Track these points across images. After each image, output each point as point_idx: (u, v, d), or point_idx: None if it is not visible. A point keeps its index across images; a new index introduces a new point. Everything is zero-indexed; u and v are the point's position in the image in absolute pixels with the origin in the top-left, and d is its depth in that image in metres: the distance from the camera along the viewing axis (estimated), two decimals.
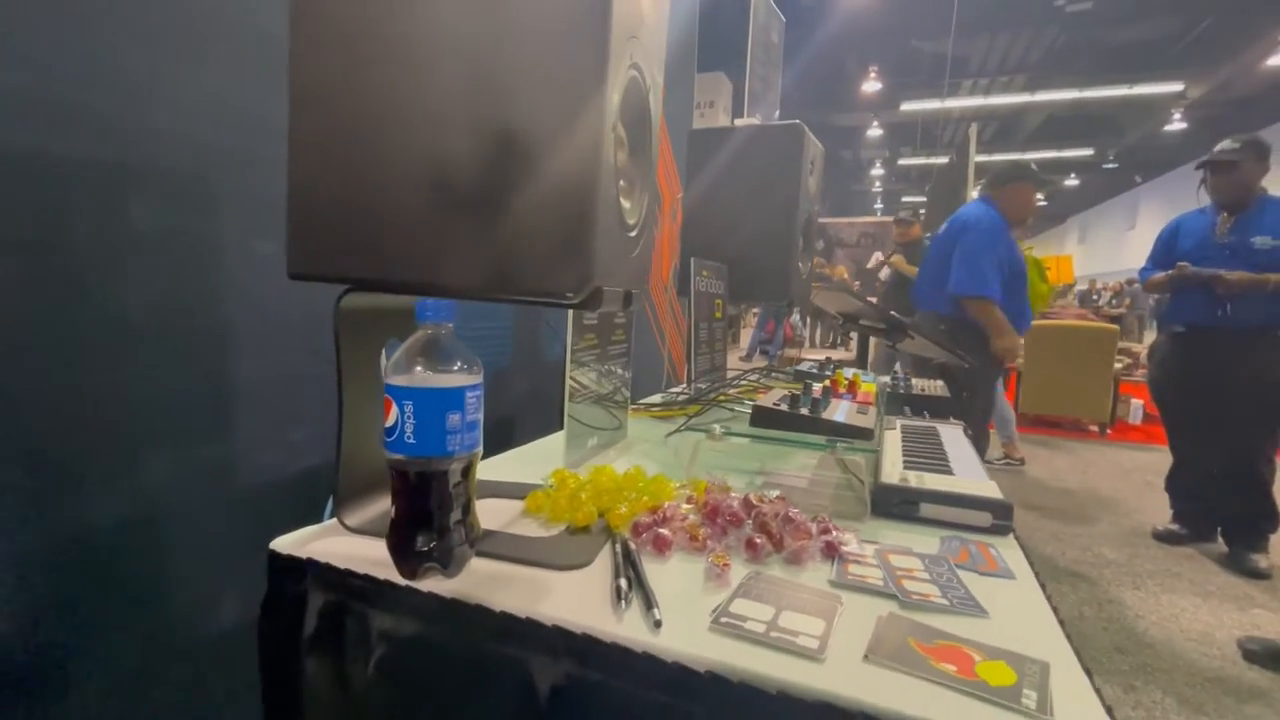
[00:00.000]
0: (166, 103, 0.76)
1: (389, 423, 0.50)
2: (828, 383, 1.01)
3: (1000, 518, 0.66)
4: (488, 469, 0.89)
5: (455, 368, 0.52)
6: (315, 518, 0.67)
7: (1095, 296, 11.98)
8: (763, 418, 0.78)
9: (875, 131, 12.76)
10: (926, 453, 0.87)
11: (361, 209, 0.55)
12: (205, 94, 0.80)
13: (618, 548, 0.58)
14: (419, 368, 0.50)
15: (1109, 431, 4.41)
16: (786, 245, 1.41)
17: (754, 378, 1.36)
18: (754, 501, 0.64)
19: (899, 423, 1.08)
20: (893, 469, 0.77)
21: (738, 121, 1.49)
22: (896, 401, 1.27)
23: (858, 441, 0.72)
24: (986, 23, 8.33)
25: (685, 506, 0.66)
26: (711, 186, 1.51)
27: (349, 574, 0.55)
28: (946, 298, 2.29)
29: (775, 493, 0.67)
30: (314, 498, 0.84)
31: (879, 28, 8.39)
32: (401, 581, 0.52)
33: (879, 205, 20.39)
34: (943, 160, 9.85)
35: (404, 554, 0.52)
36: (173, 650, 0.81)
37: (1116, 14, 7.96)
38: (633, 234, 0.63)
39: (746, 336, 8.46)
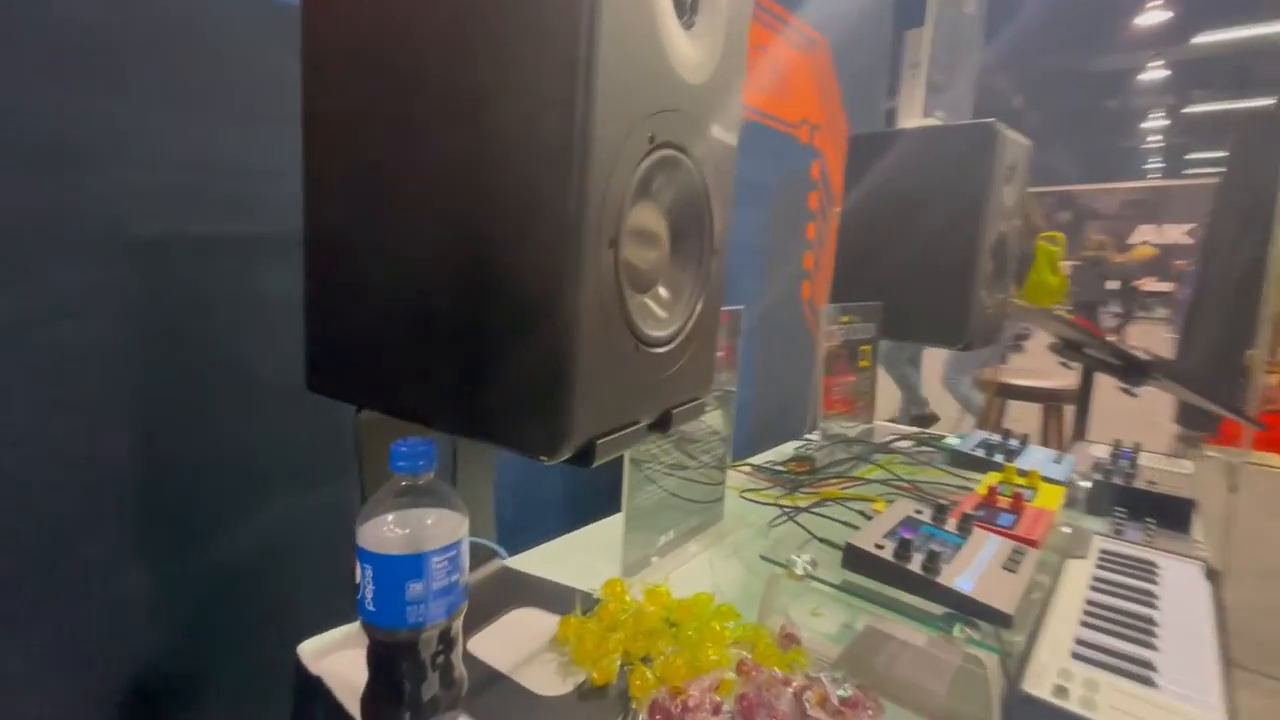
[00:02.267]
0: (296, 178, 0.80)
1: (356, 581, 0.45)
2: (985, 490, 0.77)
3: None
4: (569, 542, 0.84)
5: (426, 525, 0.45)
6: None
7: None
8: (857, 561, 0.60)
9: (1153, 74, 10.24)
10: (1124, 617, 0.62)
11: (356, 334, 0.50)
12: None
13: None
14: (383, 526, 0.44)
15: None
16: (966, 273, 1.13)
17: (877, 457, 1.11)
18: (810, 708, 0.48)
19: (1096, 542, 0.80)
20: (1050, 659, 0.55)
21: (908, 123, 1.22)
22: (1106, 497, 0.95)
23: (983, 629, 0.52)
24: None
25: (729, 678, 0.53)
26: (872, 203, 1.26)
27: (341, 711, 0.52)
28: None
29: (843, 689, 0.50)
30: None
31: None
32: None
33: (1155, 163, 16.40)
34: (1254, 104, 7.55)
35: (375, 716, 0.47)
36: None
37: None
38: (668, 347, 0.50)
39: None
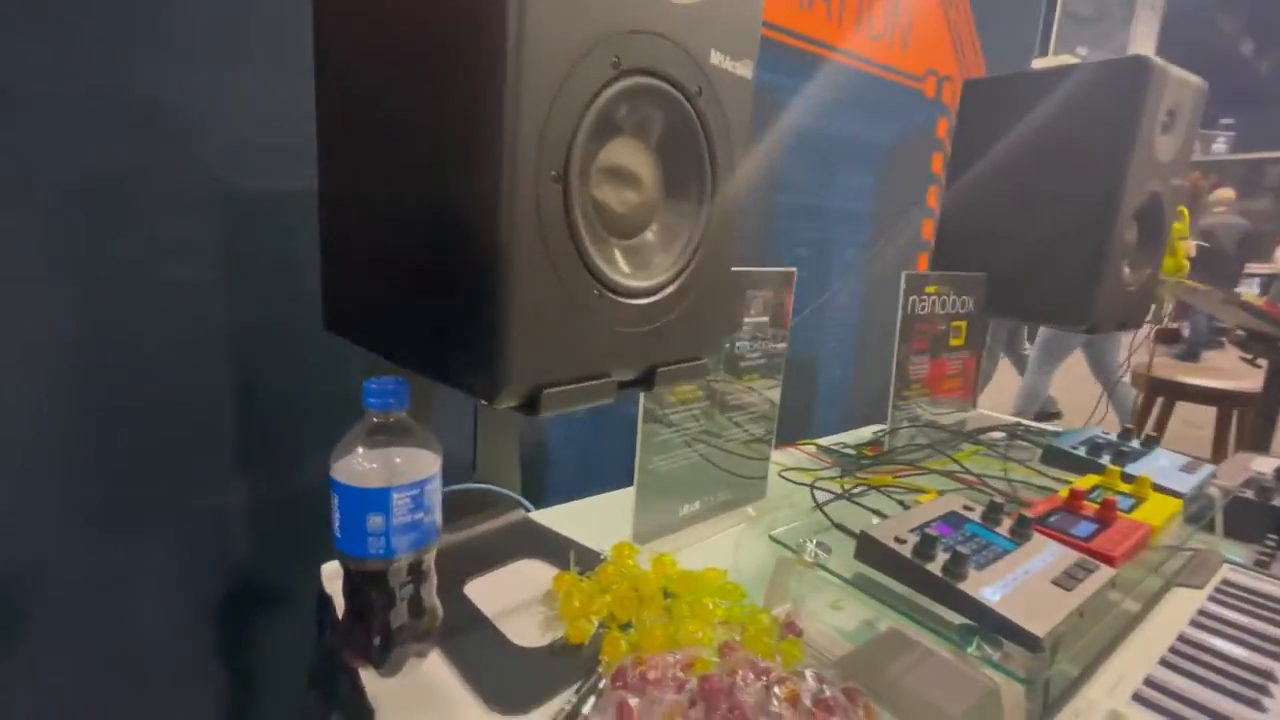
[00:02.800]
0: None
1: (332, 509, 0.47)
2: (1068, 493, 0.64)
3: None
4: (608, 501, 0.82)
5: (394, 462, 0.46)
6: None
7: None
8: (871, 554, 0.52)
9: None
10: (1227, 664, 0.49)
11: (350, 278, 0.52)
12: None
13: (577, 696, 0.47)
14: (351, 459, 0.46)
15: None
16: (1098, 239, 0.95)
17: (963, 447, 0.97)
18: (776, 704, 0.44)
19: (1224, 572, 0.65)
20: (1102, 697, 0.45)
21: (1036, 63, 1.04)
22: (1253, 520, 0.77)
23: (1007, 650, 0.43)
24: None
25: (707, 657, 0.49)
26: (987, 159, 1.10)
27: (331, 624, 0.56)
28: None
29: (825, 689, 0.45)
30: None
31: None
32: None
33: None
34: None
35: (345, 640, 0.50)
36: None
37: None
38: (653, 298, 0.46)
39: None
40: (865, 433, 1.09)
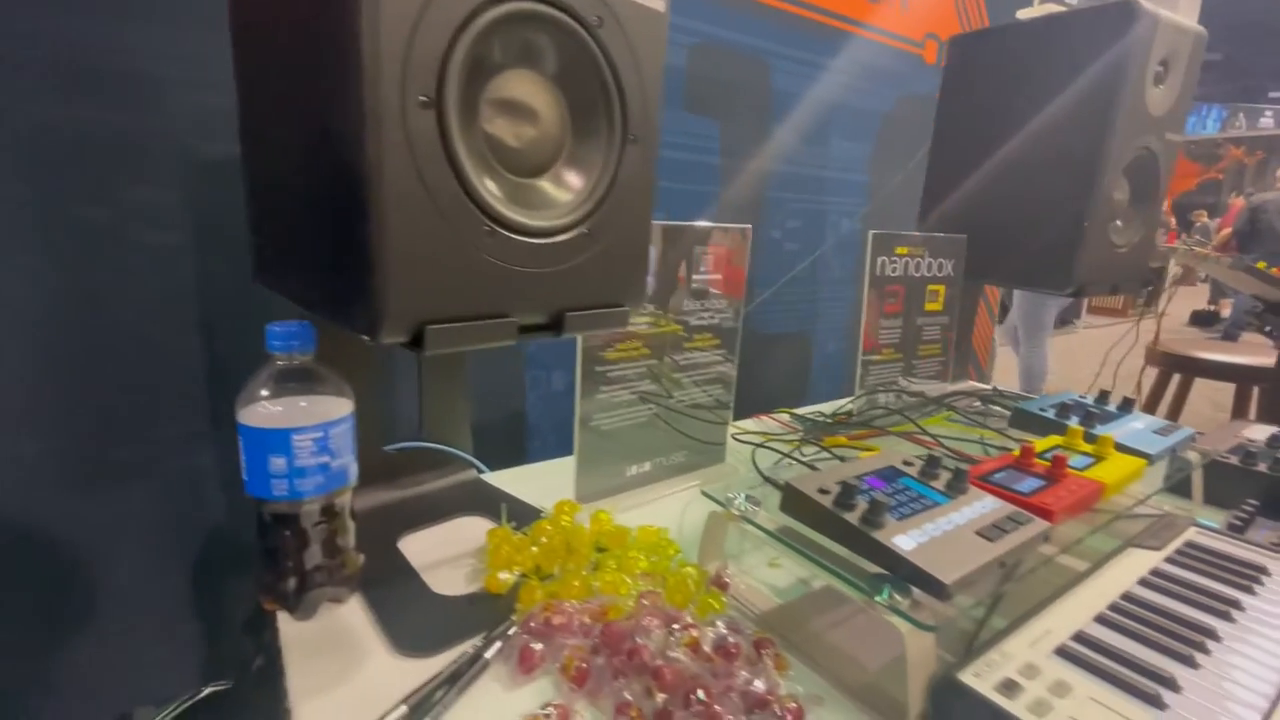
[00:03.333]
0: None
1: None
2: (1021, 452, 0.62)
3: None
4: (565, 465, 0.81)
5: (297, 405, 0.46)
6: None
7: None
8: (795, 504, 0.51)
9: None
10: (1170, 622, 0.47)
11: (265, 228, 0.52)
12: None
13: (483, 641, 0.46)
14: (254, 400, 0.46)
15: None
16: (1080, 199, 0.91)
17: (932, 411, 0.94)
18: (671, 650, 0.43)
19: (1190, 534, 0.62)
20: (1022, 650, 0.43)
21: (1022, 13, 0.99)
22: (1233, 485, 0.73)
23: (917, 600, 0.41)
24: None
25: (621, 605, 0.49)
26: (972, 116, 1.06)
27: None
28: None
29: (732, 638, 0.44)
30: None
31: None
32: None
33: None
34: None
35: (259, 583, 0.50)
36: None
37: None
38: (558, 238, 0.45)
39: None
40: (845, 402, 1.07)
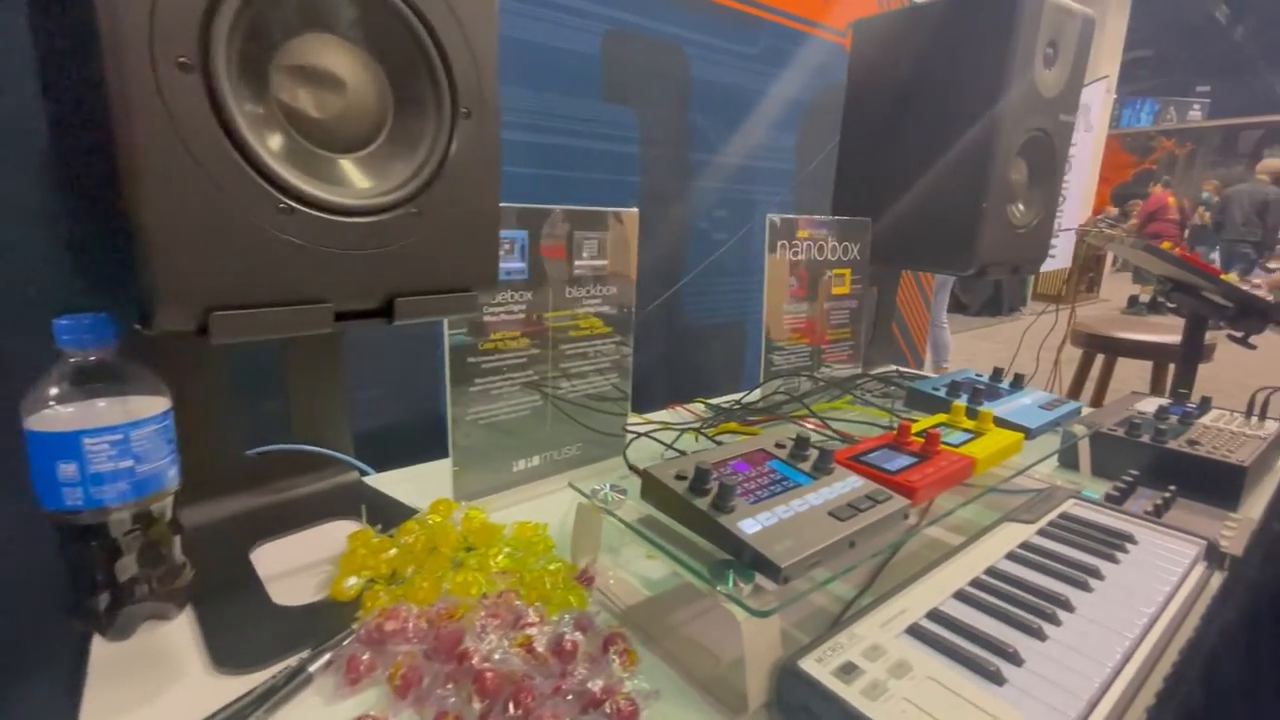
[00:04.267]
0: None
1: None
2: (899, 430, 0.61)
3: None
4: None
5: (93, 405, 0.42)
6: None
7: None
8: (653, 493, 0.49)
9: None
10: (1027, 594, 0.47)
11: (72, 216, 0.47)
12: None
13: (310, 653, 0.43)
14: (40, 402, 0.42)
15: None
16: (976, 184, 0.91)
17: (835, 395, 0.94)
18: (503, 651, 0.40)
19: (1068, 506, 0.62)
20: (870, 632, 0.42)
21: None
22: (1119, 456, 0.74)
23: (759, 585, 0.40)
24: None
25: (471, 605, 0.46)
26: (875, 101, 1.06)
27: None
28: None
29: (576, 635, 0.41)
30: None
31: None
32: None
33: None
34: None
35: (67, 602, 0.46)
36: None
37: None
38: (376, 217, 0.42)
39: None
40: (753, 390, 1.06)
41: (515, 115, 1.12)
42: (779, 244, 0.86)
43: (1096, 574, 0.51)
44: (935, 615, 0.45)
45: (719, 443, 0.69)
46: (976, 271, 0.97)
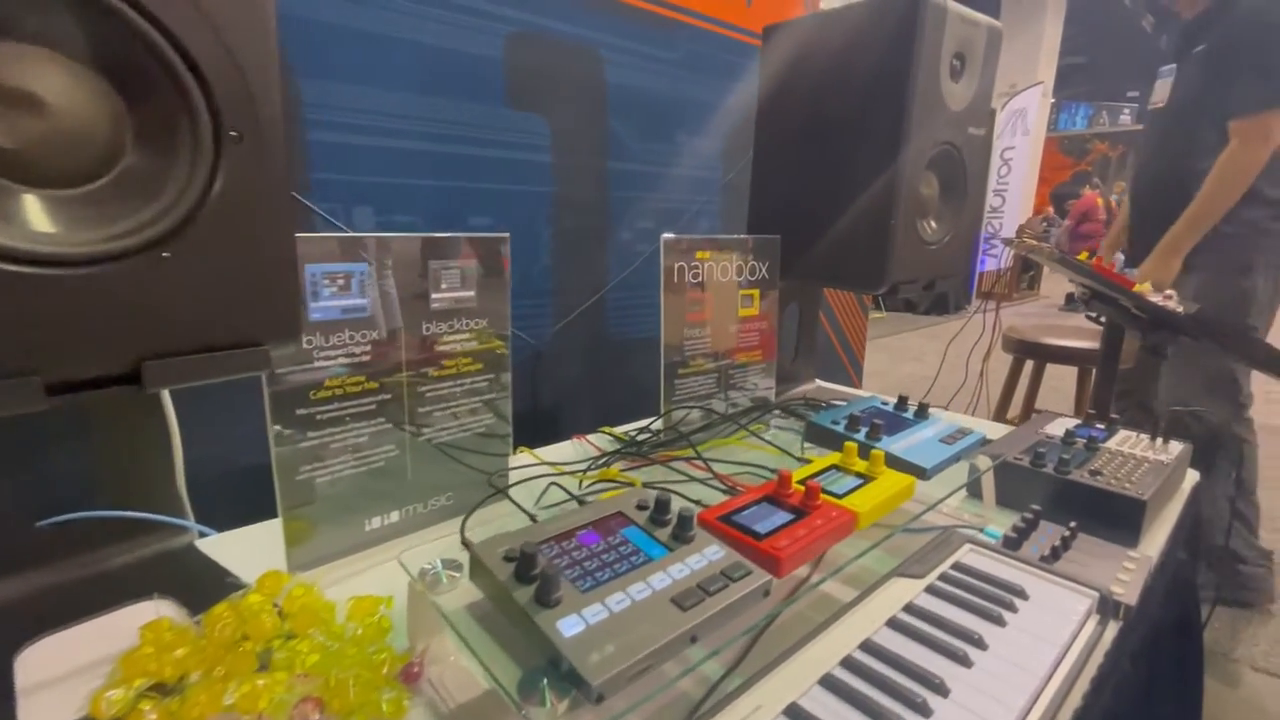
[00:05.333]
0: None
1: None
2: (782, 479, 0.56)
3: None
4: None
5: None
6: None
7: None
8: (480, 576, 0.42)
9: None
10: (898, 675, 0.41)
11: None
12: None
13: None
14: None
15: None
16: (884, 200, 0.88)
17: (732, 430, 0.89)
18: None
19: (962, 553, 0.58)
20: None
21: (824, 2, 0.95)
22: (1024, 488, 0.71)
23: (575, 702, 0.34)
24: None
25: None
26: (783, 113, 1.01)
27: None
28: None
29: None
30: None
31: None
32: None
33: None
34: None
35: None
36: None
37: None
38: (112, 264, 0.34)
39: None
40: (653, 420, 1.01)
41: (409, 123, 1.04)
42: (676, 266, 0.80)
43: (980, 644, 0.46)
44: (795, 712, 0.39)
45: (578, 498, 0.63)
46: (888, 290, 0.93)
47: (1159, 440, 0.82)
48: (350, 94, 0.97)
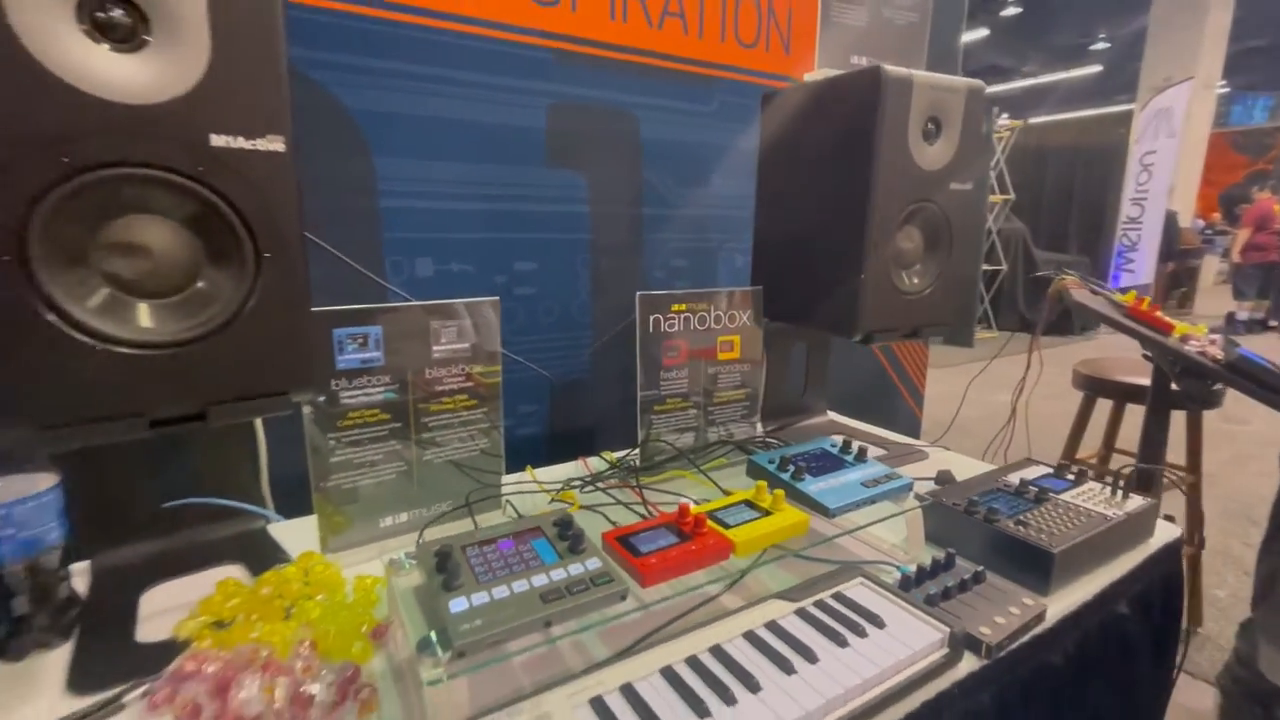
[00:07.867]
0: None
1: None
2: (681, 510, 0.67)
3: None
4: None
5: None
6: None
7: None
8: (423, 564, 0.58)
9: None
10: (724, 678, 0.53)
11: None
12: None
13: (129, 684, 0.55)
14: None
15: None
16: (855, 254, 0.95)
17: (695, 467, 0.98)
18: (257, 696, 0.51)
19: (851, 584, 0.66)
20: (554, 702, 0.50)
21: (807, 76, 1.04)
22: (952, 529, 0.77)
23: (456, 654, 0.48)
24: None
25: (267, 656, 0.57)
26: (780, 170, 1.11)
27: None
28: None
29: (310, 685, 0.51)
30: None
31: None
32: None
33: None
34: None
35: None
36: None
37: None
38: (192, 345, 0.55)
39: None
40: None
41: (462, 187, 1.25)
42: (650, 318, 0.93)
43: (811, 657, 0.55)
44: (627, 690, 0.51)
45: (520, 514, 0.78)
46: (863, 339, 1.00)
47: (1118, 494, 0.83)
48: (413, 167, 1.18)
